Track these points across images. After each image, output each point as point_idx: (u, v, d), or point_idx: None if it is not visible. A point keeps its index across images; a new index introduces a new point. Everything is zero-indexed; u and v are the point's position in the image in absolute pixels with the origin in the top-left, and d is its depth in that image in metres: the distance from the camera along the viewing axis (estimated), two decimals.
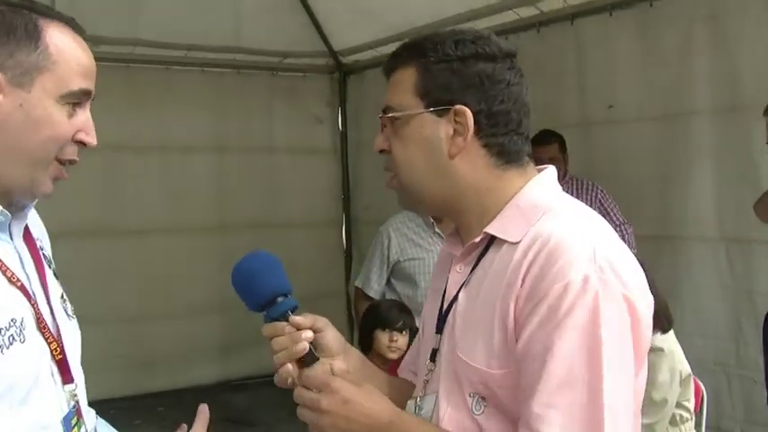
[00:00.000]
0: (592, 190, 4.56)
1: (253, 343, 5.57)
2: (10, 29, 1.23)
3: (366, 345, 3.33)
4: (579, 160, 4.68)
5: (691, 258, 4.41)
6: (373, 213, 6.25)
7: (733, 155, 4.17)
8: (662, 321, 2.93)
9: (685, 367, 3.07)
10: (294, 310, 1.37)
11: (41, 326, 1.27)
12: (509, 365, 1.23)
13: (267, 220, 6.49)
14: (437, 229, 3.81)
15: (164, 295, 6.10)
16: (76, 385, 1.34)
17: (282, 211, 6.63)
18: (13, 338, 1.21)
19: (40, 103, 1.24)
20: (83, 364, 1.41)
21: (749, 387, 4.14)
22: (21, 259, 1.32)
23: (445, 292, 1.41)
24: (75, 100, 1.28)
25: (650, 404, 2.83)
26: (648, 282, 1.30)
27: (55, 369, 1.30)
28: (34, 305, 1.28)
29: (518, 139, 1.35)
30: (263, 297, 1.36)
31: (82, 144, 1.30)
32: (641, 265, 1.31)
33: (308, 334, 1.35)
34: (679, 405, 3.05)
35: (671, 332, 3.06)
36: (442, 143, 1.32)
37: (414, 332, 3.30)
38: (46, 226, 1.51)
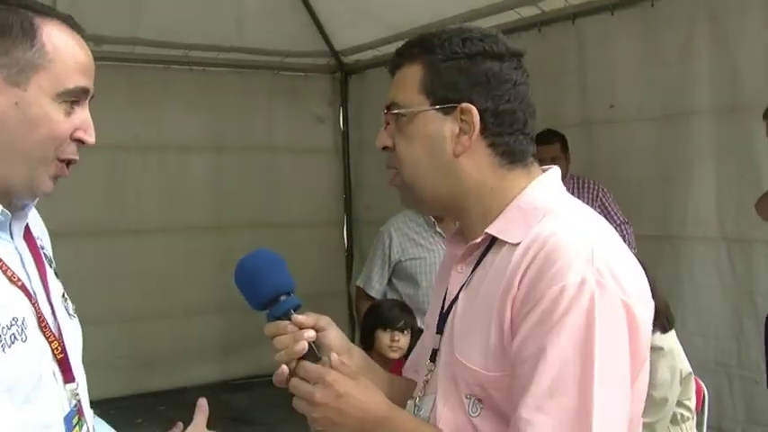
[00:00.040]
0: (593, 188, 4.57)
1: (253, 343, 5.60)
2: (5, 27, 1.23)
3: (367, 344, 3.33)
4: (580, 160, 4.67)
5: (691, 258, 4.41)
6: (374, 213, 6.25)
7: (733, 155, 4.17)
8: (662, 322, 2.93)
9: (686, 366, 3.07)
10: (297, 309, 1.37)
11: (42, 325, 1.27)
12: (504, 368, 1.22)
13: (268, 219, 6.50)
14: (438, 229, 3.82)
15: (164, 295, 6.10)
16: (78, 384, 1.34)
17: (283, 211, 6.63)
18: (15, 337, 1.20)
19: (36, 102, 1.23)
20: (84, 363, 1.41)
21: (750, 387, 4.13)
22: (21, 258, 1.32)
23: (447, 292, 1.40)
24: (72, 98, 1.27)
25: (650, 403, 2.82)
26: (649, 282, 1.29)
27: (56, 368, 1.29)
28: (35, 304, 1.27)
29: (523, 139, 1.34)
30: (265, 295, 1.36)
31: (81, 143, 1.30)
32: (641, 265, 1.30)
33: (311, 333, 1.35)
34: (680, 404, 3.05)
35: (671, 331, 3.05)
36: (447, 141, 1.31)
37: (415, 332, 3.30)
38: (46, 226, 1.51)
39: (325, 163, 7.06)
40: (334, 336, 1.44)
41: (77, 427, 1.32)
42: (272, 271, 1.38)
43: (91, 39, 1.34)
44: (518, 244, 1.25)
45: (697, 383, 3.21)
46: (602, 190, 4.57)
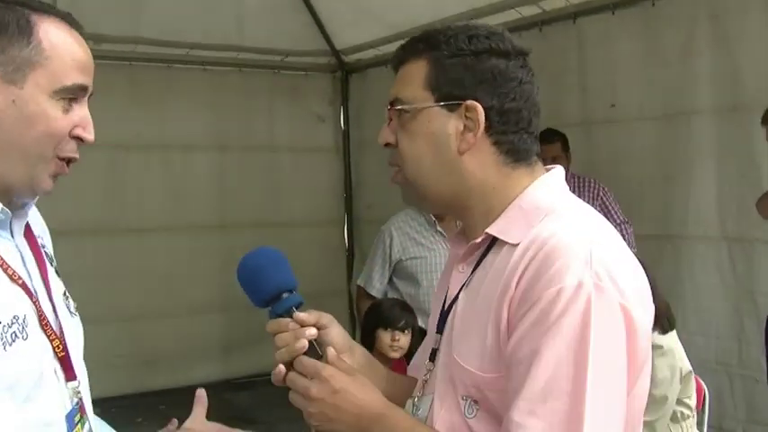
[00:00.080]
0: (594, 187, 4.57)
1: (254, 341, 5.60)
2: (1, 25, 1.23)
3: (368, 344, 3.33)
4: (580, 159, 4.67)
5: (692, 258, 4.41)
6: (375, 212, 6.25)
7: (734, 154, 4.17)
8: (662, 323, 2.93)
9: (685, 364, 3.07)
10: (299, 307, 1.36)
11: (43, 323, 1.27)
12: (500, 369, 1.20)
13: (269, 218, 6.49)
14: (439, 228, 3.82)
15: (165, 294, 6.10)
16: (79, 382, 1.34)
17: (284, 210, 6.63)
18: (16, 336, 1.20)
19: (33, 99, 1.23)
20: (84, 361, 1.41)
21: (751, 387, 4.13)
22: (22, 257, 1.32)
23: (447, 291, 1.40)
24: (70, 95, 1.27)
25: (650, 401, 2.80)
26: (649, 281, 1.28)
27: (58, 366, 1.29)
28: (36, 302, 1.27)
29: (528, 138, 1.33)
30: (267, 292, 1.36)
31: (79, 140, 1.29)
32: (642, 264, 1.29)
33: (312, 331, 1.34)
34: (680, 402, 3.05)
35: (672, 331, 3.05)
36: (451, 139, 1.30)
37: (416, 331, 3.31)
38: (47, 224, 1.51)
39: (326, 162, 7.06)
40: (336, 333, 1.43)
41: (79, 425, 1.32)
42: (275, 268, 1.38)
43: (91, 37, 1.34)
44: (518, 244, 1.24)
45: (697, 382, 3.21)
46: (603, 189, 4.57)
